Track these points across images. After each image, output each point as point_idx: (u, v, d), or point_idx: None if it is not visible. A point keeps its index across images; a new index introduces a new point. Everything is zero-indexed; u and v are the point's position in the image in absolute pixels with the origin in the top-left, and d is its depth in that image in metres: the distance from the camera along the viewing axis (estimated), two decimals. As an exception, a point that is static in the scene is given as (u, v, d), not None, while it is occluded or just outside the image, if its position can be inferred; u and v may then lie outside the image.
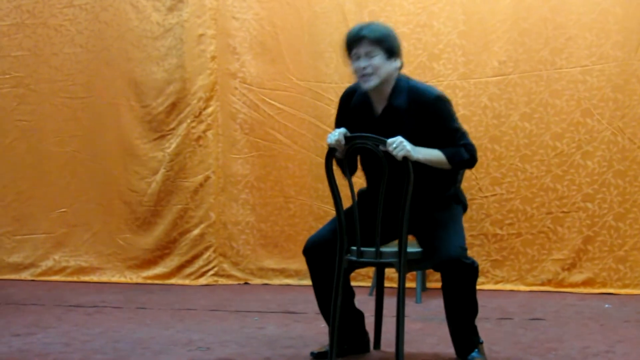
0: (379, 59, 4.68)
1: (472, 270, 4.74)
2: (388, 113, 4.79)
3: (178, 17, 7.60)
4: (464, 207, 5.10)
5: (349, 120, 4.91)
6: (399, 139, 4.57)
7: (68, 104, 7.76)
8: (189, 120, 7.59)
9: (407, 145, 4.56)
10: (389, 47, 4.69)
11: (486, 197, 7.17)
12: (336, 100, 7.08)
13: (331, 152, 4.70)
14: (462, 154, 4.76)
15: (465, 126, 6.76)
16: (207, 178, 7.60)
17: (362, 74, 4.72)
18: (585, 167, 7.06)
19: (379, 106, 4.83)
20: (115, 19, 7.70)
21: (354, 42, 4.72)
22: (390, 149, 4.57)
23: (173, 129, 7.62)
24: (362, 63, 4.69)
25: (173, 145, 7.61)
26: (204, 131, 7.59)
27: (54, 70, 7.78)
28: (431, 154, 4.68)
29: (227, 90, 7.56)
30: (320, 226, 7.25)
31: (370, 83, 4.71)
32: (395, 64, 4.73)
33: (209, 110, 7.58)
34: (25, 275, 7.82)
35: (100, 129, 7.74)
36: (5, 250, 7.82)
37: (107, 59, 7.72)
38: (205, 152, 7.60)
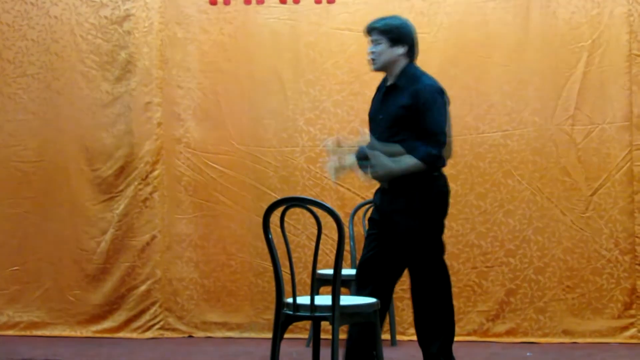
0: (382, 46, 5.27)
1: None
2: (391, 89, 5.32)
3: (126, 86, 7.62)
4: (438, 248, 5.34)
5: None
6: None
7: (20, 168, 7.70)
8: (136, 183, 7.57)
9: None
10: (394, 36, 5.26)
11: (415, 253, 7.25)
12: (274, 163, 7.39)
13: (269, 211, 4.77)
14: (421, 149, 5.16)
15: None
16: (154, 237, 7.57)
17: (369, 58, 5.35)
18: (507, 225, 7.18)
19: (389, 84, 5.35)
20: (66, 87, 7.68)
21: (367, 31, 5.38)
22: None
23: (121, 191, 7.60)
24: (370, 49, 5.34)
25: (121, 207, 7.59)
26: (151, 193, 7.57)
27: (7, 135, 7.72)
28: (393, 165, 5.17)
29: (172, 155, 7.57)
30: (260, 282, 7.38)
31: (373, 67, 5.36)
32: (398, 50, 5.26)
33: (155, 173, 7.58)
34: (-21, 330, 7.72)
35: (52, 191, 7.67)
36: (-40, 307, 7.73)
37: (58, 126, 7.68)
38: (152, 212, 7.58)
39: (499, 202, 7.19)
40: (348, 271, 6.49)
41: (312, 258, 4.87)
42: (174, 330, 7.53)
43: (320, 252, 4.78)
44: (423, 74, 5.31)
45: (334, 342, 4.67)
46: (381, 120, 5.35)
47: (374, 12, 7.24)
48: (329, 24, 7.43)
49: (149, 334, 7.51)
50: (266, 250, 4.87)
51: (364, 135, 5.34)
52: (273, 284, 4.88)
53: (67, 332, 7.59)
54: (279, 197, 4.71)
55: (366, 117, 7.22)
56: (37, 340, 7.39)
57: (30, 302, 7.70)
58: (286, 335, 4.89)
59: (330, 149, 5.40)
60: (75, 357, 6.66)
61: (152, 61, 7.62)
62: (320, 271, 6.25)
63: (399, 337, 6.96)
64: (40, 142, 7.71)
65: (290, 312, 4.79)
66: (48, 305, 7.68)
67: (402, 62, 5.31)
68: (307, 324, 6.83)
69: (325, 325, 4.94)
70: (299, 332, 7.03)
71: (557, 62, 7.17)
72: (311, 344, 5.30)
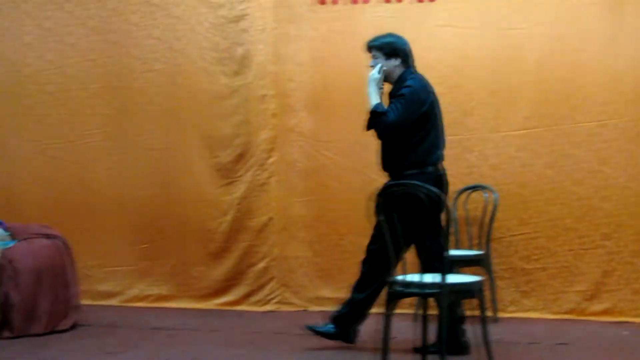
0: (379, 60, 5.74)
1: None
2: (389, 96, 5.77)
3: (243, 80, 7.69)
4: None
5: None
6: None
7: (148, 155, 7.84)
8: (254, 169, 7.65)
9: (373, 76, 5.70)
10: (386, 51, 5.74)
11: (514, 235, 7.17)
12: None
13: (379, 195, 4.77)
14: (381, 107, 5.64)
15: (494, 173, 7.06)
16: (270, 219, 7.65)
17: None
18: (602, 210, 7.04)
19: (389, 92, 5.82)
20: (188, 81, 7.78)
21: (367, 49, 5.83)
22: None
23: (240, 176, 7.68)
24: (370, 63, 5.78)
25: (240, 190, 7.66)
26: (267, 178, 7.65)
27: (136, 125, 7.86)
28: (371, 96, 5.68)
29: (287, 143, 7.62)
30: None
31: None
32: (394, 62, 5.74)
33: (271, 160, 7.65)
34: (114, 301, 7.83)
35: (177, 176, 7.79)
36: (97, 280, 7.84)
37: (182, 116, 7.79)
38: (268, 196, 7.65)
39: (595, 188, 7.05)
40: (452, 252, 6.44)
41: (418, 239, 4.86)
42: (289, 304, 7.60)
43: (425, 233, 4.78)
44: (412, 78, 5.72)
45: (441, 317, 4.67)
46: None
47: (472, 9, 7.28)
48: (430, 21, 7.37)
49: (267, 307, 7.60)
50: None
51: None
52: (381, 262, 4.87)
53: (191, 305, 7.71)
54: (385, 182, 4.74)
55: (466, 108, 7.27)
56: (165, 312, 7.53)
57: (158, 277, 7.85)
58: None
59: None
60: (200, 327, 6.77)
61: (267, 57, 7.67)
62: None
63: (500, 314, 6.91)
64: (166, 131, 7.84)
65: (401, 289, 4.79)
66: (174, 280, 7.82)
67: (399, 71, 5.76)
68: (414, 300, 6.76)
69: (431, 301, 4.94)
70: (405, 307, 6.99)
71: (651, 54, 7.00)
72: (419, 319, 5.29)
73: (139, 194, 7.85)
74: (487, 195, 6.86)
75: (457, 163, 7.19)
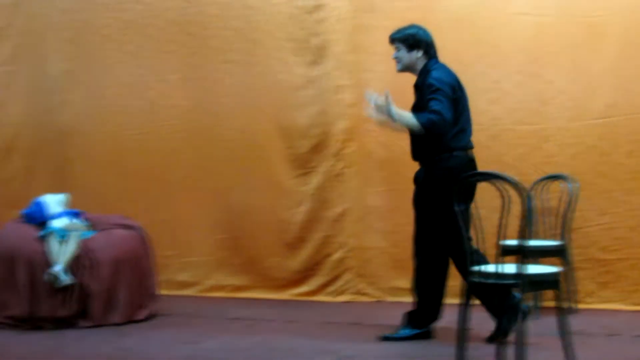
0: (401, 52, 5.84)
1: None
2: (415, 89, 5.87)
3: (319, 70, 7.66)
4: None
5: None
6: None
7: (225, 146, 7.86)
8: (329, 159, 7.63)
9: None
10: (409, 43, 5.79)
11: (592, 226, 7.03)
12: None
13: (456, 186, 4.72)
14: (424, 115, 5.58)
15: (573, 162, 6.96)
16: (346, 209, 7.61)
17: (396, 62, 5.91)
18: (691, 198, 6.86)
19: (414, 84, 5.91)
20: (264, 72, 7.78)
21: (390, 41, 5.90)
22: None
23: (316, 166, 7.66)
24: (393, 55, 5.89)
25: (316, 181, 7.65)
26: (343, 168, 7.61)
27: (213, 116, 7.89)
28: (403, 115, 5.64)
29: (363, 133, 7.54)
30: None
31: (397, 68, 5.94)
32: (417, 54, 5.80)
33: (347, 150, 7.60)
34: (190, 291, 7.89)
35: (252, 167, 7.80)
36: (174, 270, 7.89)
37: (258, 107, 7.79)
38: (344, 186, 7.61)
39: (677, 178, 6.88)
40: (530, 242, 6.34)
41: (492, 230, 4.79)
42: (365, 294, 7.56)
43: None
44: (436, 69, 5.74)
45: (519, 310, 4.57)
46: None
47: (550, -2, 7.13)
48: (508, 9, 7.26)
49: (342, 298, 7.57)
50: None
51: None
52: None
53: (268, 295, 7.72)
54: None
55: (544, 97, 7.15)
56: (242, 302, 7.55)
57: (234, 267, 7.87)
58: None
59: (376, 104, 5.68)
60: (276, 318, 6.78)
61: (343, 47, 7.63)
62: (501, 242, 6.15)
63: (578, 305, 6.78)
64: (242, 122, 7.85)
65: (479, 280, 4.72)
66: (251, 270, 7.82)
67: (422, 62, 5.82)
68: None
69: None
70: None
71: None
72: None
73: (215, 185, 7.88)
74: (565, 185, 6.74)
75: (536, 152, 7.11)
